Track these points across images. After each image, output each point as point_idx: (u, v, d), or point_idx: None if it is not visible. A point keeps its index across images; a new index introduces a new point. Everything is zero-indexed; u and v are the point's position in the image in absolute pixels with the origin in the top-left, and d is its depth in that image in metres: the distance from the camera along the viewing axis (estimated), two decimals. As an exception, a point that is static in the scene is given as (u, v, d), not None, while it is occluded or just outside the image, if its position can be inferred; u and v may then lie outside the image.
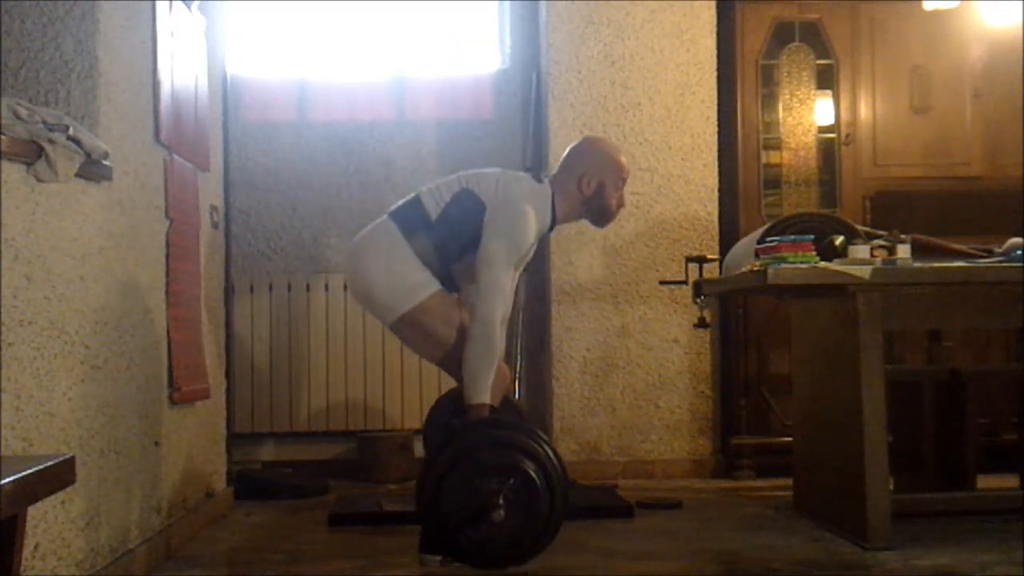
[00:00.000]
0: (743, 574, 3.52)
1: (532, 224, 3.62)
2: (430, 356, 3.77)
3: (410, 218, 3.66)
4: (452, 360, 3.64)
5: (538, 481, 3.29)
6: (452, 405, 3.88)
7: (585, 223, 5.30)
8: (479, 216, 3.59)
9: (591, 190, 3.76)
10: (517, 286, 5.36)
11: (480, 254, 3.57)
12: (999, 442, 4.92)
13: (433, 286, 3.63)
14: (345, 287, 5.47)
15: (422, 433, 4.25)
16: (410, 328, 3.67)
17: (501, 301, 3.56)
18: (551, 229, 3.81)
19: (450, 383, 4.06)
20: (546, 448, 3.36)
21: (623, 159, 3.84)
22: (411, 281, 3.61)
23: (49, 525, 2.79)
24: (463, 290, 3.72)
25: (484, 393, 3.51)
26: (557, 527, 3.36)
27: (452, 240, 3.62)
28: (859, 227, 4.31)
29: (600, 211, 3.81)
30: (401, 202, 3.75)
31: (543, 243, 5.50)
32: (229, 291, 4.83)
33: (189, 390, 3.93)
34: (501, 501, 3.24)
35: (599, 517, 4.31)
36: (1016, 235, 4.18)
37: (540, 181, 3.76)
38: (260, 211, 5.63)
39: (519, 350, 5.48)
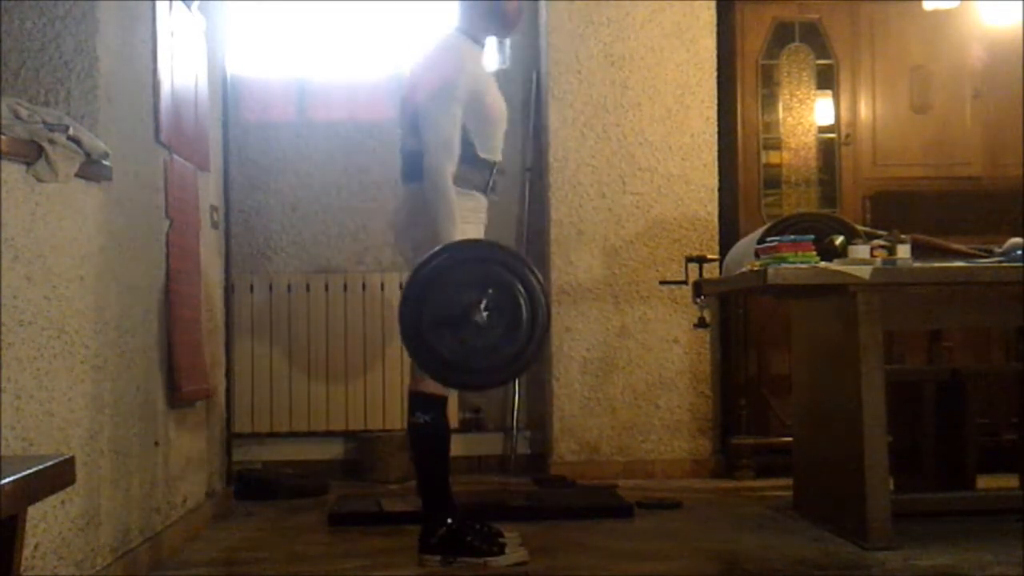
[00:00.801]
0: (743, 574, 3.52)
1: (450, 59, 3.57)
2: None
3: (413, 167, 3.61)
4: None
5: (519, 296, 3.29)
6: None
7: (585, 223, 5.37)
8: (415, 98, 3.60)
9: (488, 6, 3.67)
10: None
11: (419, 119, 3.54)
12: (999, 442, 4.91)
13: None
14: (345, 287, 5.48)
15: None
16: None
17: (446, 152, 3.48)
18: (482, 50, 3.72)
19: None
20: (528, 269, 3.36)
21: None
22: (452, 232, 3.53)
23: (49, 525, 2.79)
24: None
25: (452, 232, 3.44)
26: (539, 344, 3.35)
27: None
28: (859, 227, 4.31)
29: (500, 18, 3.71)
30: (400, 167, 3.72)
31: (543, 242, 5.50)
32: (229, 291, 4.83)
33: (189, 390, 3.93)
34: (482, 307, 3.24)
35: (599, 517, 4.31)
36: (1016, 235, 4.18)
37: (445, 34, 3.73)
38: (260, 211, 5.63)
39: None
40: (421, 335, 3.30)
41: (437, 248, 3.38)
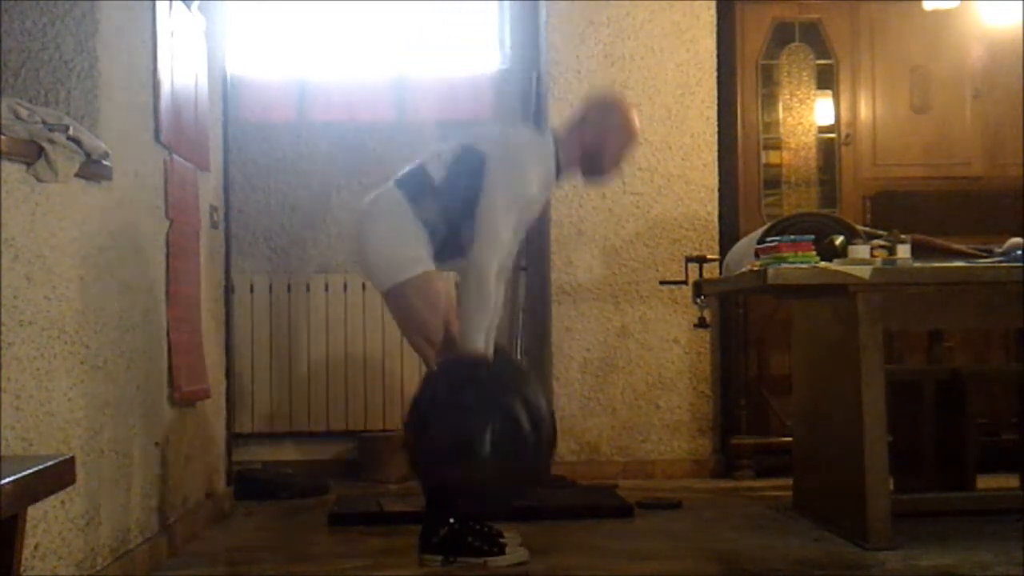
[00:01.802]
0: (743, 574, 3.52)
1: (534, 173, 3.56)
2: (409, 334, 3.70)
3: (415, 184, 3.61)
4: (427, 345, 3.57)
5: (525, 424, 3.27)
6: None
7: (585, 223, 5.37)
8: (480, 166, 3.54)
9: (590, 141, 3.68)
10: (517, 286, 5.40)
11: (480, 204, 3.51)
12: (999, 442, 4.91)
13: (426, 265, 3.57)
14: (345, 287, 5.48)
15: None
16: (397, 301, 3.62)
17: (497, 251, 3.50)
18: (558, 178, 3.72)
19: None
20: (537, 394, 3.34)
21: (634, 121, 3.75)
22: (407, 255, 3.55)
23: (49, 525, 2.79)
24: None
25: (478, 342, 3.46)
26: (541, 473, 3.33)
27: (458, 201, 3.55)
28: (859, 227, 4.32)
29: (595, 166, 3.72)
30: (406, 169, 3.70)
31: (543, 243, 5.50)
32: (229, 291, 4.83)
33: (189, 390, 3.93)
34: (488, 437, 3.22)
35: (599, 517, 4.31)
36: (1016, 235, 4.18)
37: (543, 132, 3.69)
38: (260, 211, 5.63)
39: (519, 350, 5.48)
40: (427, 461, 3.29)
41: (442, 367, 3.39)
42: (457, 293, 3.67)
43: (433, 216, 3.57)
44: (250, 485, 4.91)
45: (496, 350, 3.61)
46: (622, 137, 3.73)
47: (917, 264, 3.78)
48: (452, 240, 3.60)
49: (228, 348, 4.79)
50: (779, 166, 5.52)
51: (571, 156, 3.70)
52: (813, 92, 5.53)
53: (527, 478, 3.31)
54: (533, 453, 3.28)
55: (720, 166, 5.46)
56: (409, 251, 3.57)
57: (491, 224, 3.50)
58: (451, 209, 3.56)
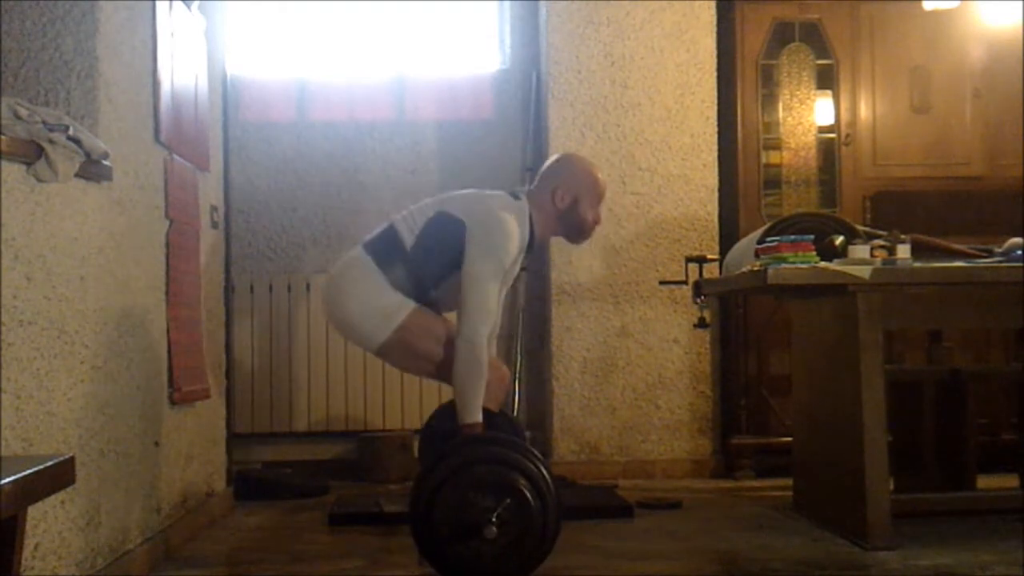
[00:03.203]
0: (743, 574, 3.52)
1: (515, 237, 3.55)
2: (422, 372, 3.72)
3: (384, 248, 3.59)
4: (446, 370, 3.57)
5: (532, 501, 3.26)
6: (448, 420, 3.79)
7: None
8: (458, 235, 3.51)
9: (565, 204, 3.69)
10: (516, 285, 5.40)
11: (464, 270, 3.49)
12: (999, 442, 4.91)
13: (408, 306, 3.55)
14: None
15: (419, 443, 4.20)
16: (394, 351, 3.61)
17: (486, 318, 3.49)
18: (530, 247, 3.72)
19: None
20: (541, 468, 3.32)
21: (600, 176, 3.77)
22: (384, 306, 3.54)
23: (49, 525, 2.79)
24: (444, 312, 3.67)
25: (476, 413, 3.46)
26: (548, 549, 3.33)
27: (430, 265, 3.55)
28: (859, 227, 4.31)
29: (574, 227, 3.74)
30: (375, 232, 3.67)
31: (543, 243, 5.50)
32: (229, 291, 4.83)
33: (189, 390, 3.93)
34: (495, 518, 3.22)
35: (599, 517, 4.31)
36: (1016, 235, 4.18)
37: (517, 198, 3.68)
38: (260, 211, 5.63)
39: (519, 350, 5.48)
40: (435, 547, 3.28)
41: (450, 446, 3.38)
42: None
43: (403, 280, 3.56)
44: (250, 485, 4.91)
45: (496, 417, 3.63)
46: (594, 191, 3.74)
47: (917, 264, 3.78)
48: (424, 304, 3.60)
49: (228, 348, 4.79)
50: (779, 166, 5.52)
51: (547, 221, 3.71)
52: (813, 92, 5.53)
53: (536, 552, 3.32)
54: (540, 528, 3.29)
55: (720, 166, 5.46)
56: (385, 301, 3.54)
57: (479, 295, 3.49)
58: (422, 274, 3.56)
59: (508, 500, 3.24)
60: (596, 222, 3.78)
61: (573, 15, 5.42)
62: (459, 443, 3.40)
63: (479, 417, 3.48)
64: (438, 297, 3.62)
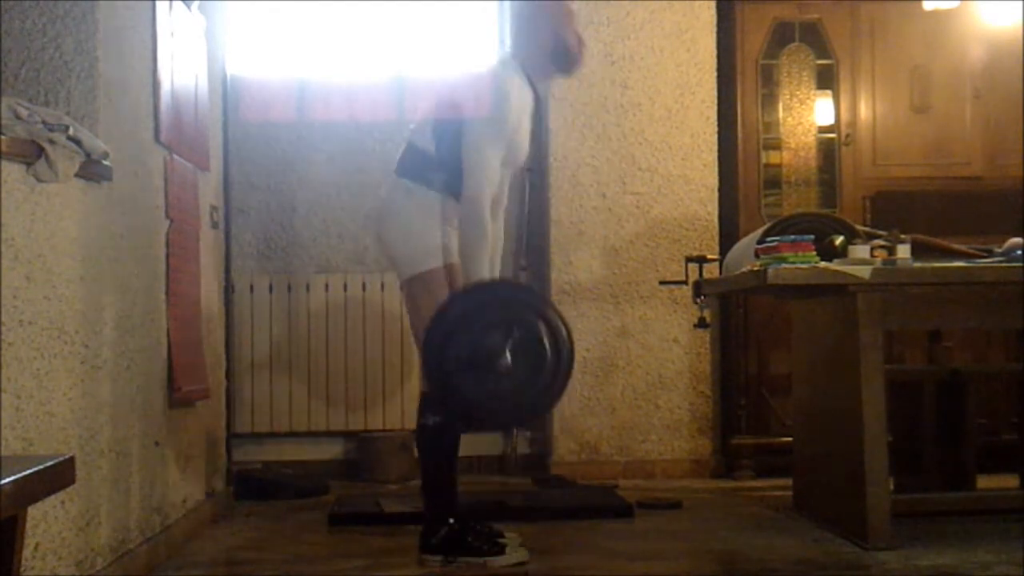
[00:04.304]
0: (743, 574, 3.52)
1: (512, 98, 3.57)
2: (416, 325, 3.70)
3: (413, 165, 3.63)
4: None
5: (544, 335, 3.29)
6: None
7: (585, 223, 5.37)
8: (462, 118, 3.57)
9: (549, 43, 3.67)
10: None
11: (464, 141, 3.53)
12: (999, 442, 4.91)
13: (435, 260, 3.58)
14: (345, 287, 5.48)
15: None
16: (409, 291, 3.65)
17: (487, 177, 3.51)
18: (536, 100, 3.74)
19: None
20: (549, 307, 3.38)
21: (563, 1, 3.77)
22: (429, 246, 3.57)
23: (49, 525, 2.78)
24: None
25: (482, 271, 3.49)
26: (562, 386, 3.35)
27: (456, 158, 3.57)
28: (859, 227, 4.31)
29: (565, 59, 3.72)
30: (400, 155, 3.71)
31: (543, 243, 5.50)
32: (229, 291, 4.83)
33: (189, 390, 3.93)
34: (507, 351, 3.24)
35: (599, 517, 4.31)
36: (1016, 235, 4.18)
37: (504, 62, 3.69)
38: (260, 211, 5.62)
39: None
40: (446, 377, 3.30)
41: (461, 290, 3.41)
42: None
43: (444, 182, 3.58)
44: (250, 485, 4.91)
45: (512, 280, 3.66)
46: (564, 17, 3.72)
47: (917, 264, 3.78)
48: None
49: (228, 348, 4.79)
50: (779, 166, 5.52)
51: (540, 63, 3.70)
52: (813, 92, 5.52)
53: (544, 395, 3.34)
54: (552, 369, 3.31)
55: (720, 166, 5.46)
56: (427, 242, 3.58)
57: (476, 154, 3.52)
58: (455, 170, 3.57)
59: (518, 334, 3.27)
60: (580, 42, 3.75)
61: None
62: (471, 287, 3.41)
63: (485, 275, 3.51)
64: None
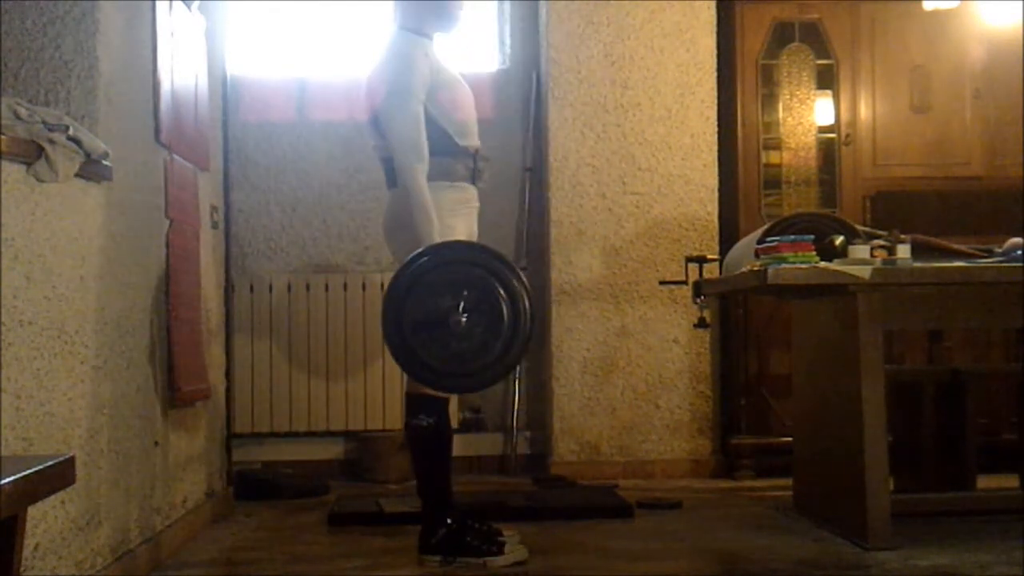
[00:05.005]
0: (743, 574, 3.52)
1: (404, 56, 3.58)
2: None
3: (386, 172, 3.65)
4: None
5: (497, 291, 3.29)
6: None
7: (585, 223, 5.37)
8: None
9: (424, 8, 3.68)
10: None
11: (379, 122, 3.56)
12: (999, 442, 4.91)
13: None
14: (345, 287, 5.48)
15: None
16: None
17: (409, 147, 3.49)
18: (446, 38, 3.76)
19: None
20: (501, 261, 3.36)
21: None
22: (416, 240, 3.53)
23: (49, 525, 2.79)
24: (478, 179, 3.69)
25: (431, 238, 3.46)
26: (524, 341, 3.34)
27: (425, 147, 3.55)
28: (859, 227, 4.31)
29: (441, 12, 3.73)
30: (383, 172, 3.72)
31: (543, 243, 5.50)
32: (229, 291, 4.83)
33: (189, 390, 3.93)
34: (460, 309, 3.25)
35: (599, 517, 4.31)
36: (1016, 235, 4.18)
37: (392, 36, 3.71)
38: (260, 211, 5.62)
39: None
40: (404, 341, 3.31)
41: (413, 253, 3.39)
42: None
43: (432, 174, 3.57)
44: (250, 485, 4.91)
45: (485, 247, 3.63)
46: None
47: (917, 264, 3.78)
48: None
49: (228, 348, 4.79)
50: (779, 166, 5.52)
51: (423, 20, 3.70)
52: (813, 92, 5.52)
53: (503, 354, 3.33)
54: (510, 329, 3.30)
55: (720, 166, 5.46)
56: (415, 239, 3.55)
57: (388, 126, 3.54)
58: (431, 158, 3.55)
59: (472, 293, 3.27)
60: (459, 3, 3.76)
61: (573, 15, 5.42)
62: (424, 250, 3.39)
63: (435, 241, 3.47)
64: (460, 161, 3.63)
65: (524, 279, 3.40)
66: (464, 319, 3.27)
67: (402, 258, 3.52)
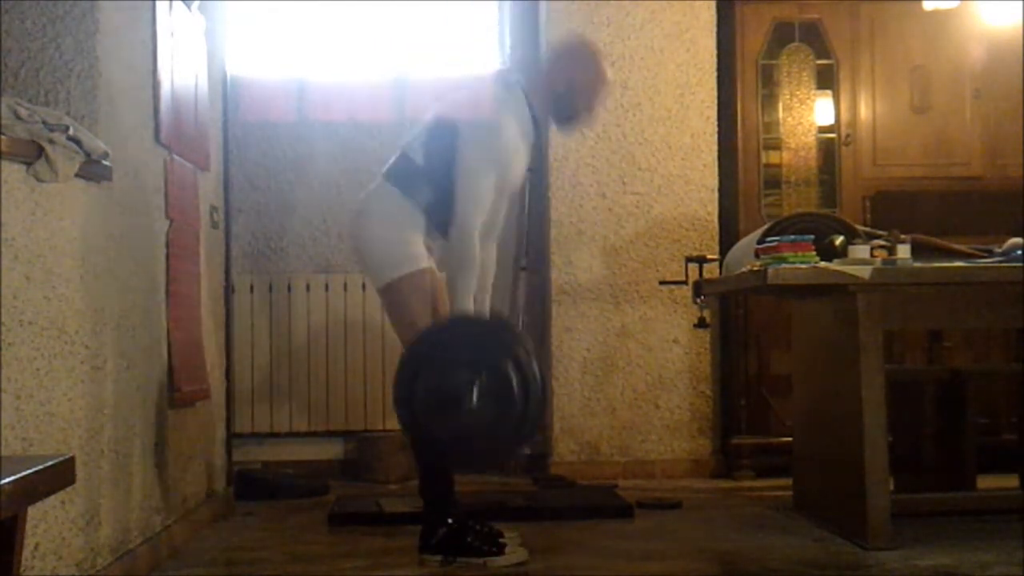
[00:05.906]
0: (743, 574, 3.52)
1: (507, 126, 3.53)
2: (399, 331, 3.68)
3: (402, 173, 3.60)
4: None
5: (512, 375, 3.26)
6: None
7: (585, 223, 5.37)
8: (454, 136, 3.52)
9: (561, 87, 3.65)
10: (517, 286, 5.40)
11: (457, 167, 3.48)
12: (999, 442, 4.91)
13: (421, 262, 3.56)
14: (345, 287, 5.48)
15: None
16: (392, 297, 3.61)
17: (477, 206, 3.47)
18: (537, 129, 3.69)
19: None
20: (521, 347, 3.33)
21: (605, 67, 3.74)
22: (403, 251, 3.54)
23: (49, 525, 2.79)
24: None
25: (467, 302, 3.47)
26: (533, 425, 3.33)
27: (446, 176, 3.52)
28: (859, 227, 4.31)
29: (565, 108, 3.69)
30: (391, 159, 3.68)
31: (543, 243, 5.50)
32: (229, 291, 4.83)
33: (189, 390, 3.93)
34: (474, 390, 3.22)
35: (599, 517, 4.31)
36: (1016, 235, 4.18)
37: (510, 86, 3.65)
38: (260, 211, 5.62)
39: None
40: (415, 417, 3.30)
41: (432, 326, 3.39)
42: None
43: (428, 198, 3.55)
44: (250, 485, 4.91)
45: (491, 313, 3.63)
46: (591, 75, 3.70)
47: (917, 264, 3.78)
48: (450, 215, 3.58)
49: (228, 348, 4.79)
50: (779, 166, 5.52)
51: (543, 102, 3.66)
52: (813, 92, 5.52)
53: (513, 436, 3.32)
54: (521, 411, 3.29)
55: (720, 166, 5.47)
56: (405, 248, 3.56)
57: (467, 181, 3.48)
58: (441, 186, 3.54)
59: (486, 374, 3.24)
60: (590, 111, 3.73)
61: (573, 15, 5.42)
62: (446, 322, 3.39)
63: (470, 308, 3.48)
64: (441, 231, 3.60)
65: (534, 356, 3.35)
66: (476, 401, 3.24)
67: (369, 263, 3.54)
